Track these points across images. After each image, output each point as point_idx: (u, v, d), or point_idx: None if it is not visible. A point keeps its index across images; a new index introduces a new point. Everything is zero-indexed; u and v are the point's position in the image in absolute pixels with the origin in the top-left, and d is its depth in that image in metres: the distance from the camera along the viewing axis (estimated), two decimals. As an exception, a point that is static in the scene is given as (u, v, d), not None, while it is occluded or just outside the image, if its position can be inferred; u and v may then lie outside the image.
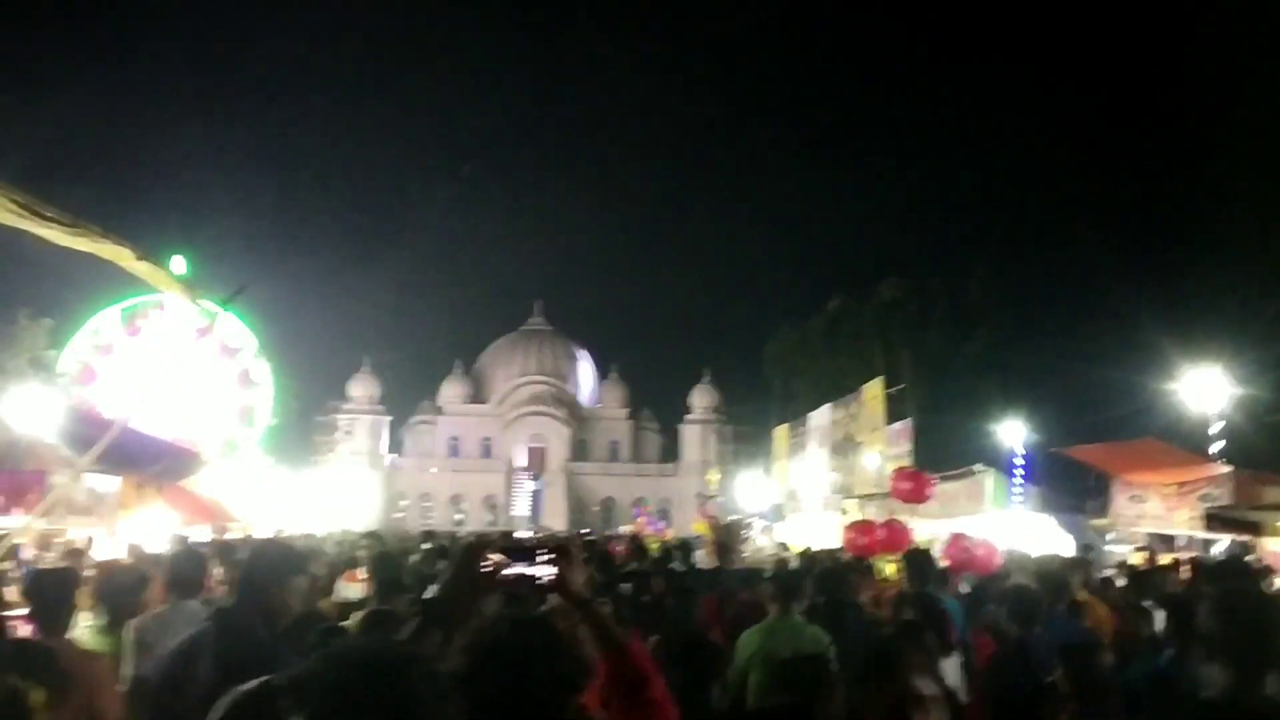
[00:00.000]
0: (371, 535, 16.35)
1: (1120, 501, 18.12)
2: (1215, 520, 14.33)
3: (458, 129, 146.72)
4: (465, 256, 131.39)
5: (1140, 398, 22.79)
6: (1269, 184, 29.09)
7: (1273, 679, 2.46)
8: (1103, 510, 19.77)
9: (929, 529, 17.84)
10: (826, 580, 7.05)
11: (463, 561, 2.24)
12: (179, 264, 16.17)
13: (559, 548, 2.31)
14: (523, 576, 2.23)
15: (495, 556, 2.23)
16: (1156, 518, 17.05)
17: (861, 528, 11.87)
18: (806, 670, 3.96)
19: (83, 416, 14.74)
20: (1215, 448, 17.75)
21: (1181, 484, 16.18)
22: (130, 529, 11.92)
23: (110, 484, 12.08)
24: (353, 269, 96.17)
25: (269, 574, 3.40)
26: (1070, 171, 74.73)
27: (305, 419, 58.00)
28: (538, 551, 2.27)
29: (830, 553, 12.73)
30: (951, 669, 5.50)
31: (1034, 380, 37.72)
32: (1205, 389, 18.07)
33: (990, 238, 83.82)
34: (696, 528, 33.97)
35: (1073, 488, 23.41)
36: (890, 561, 11.00)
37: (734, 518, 34.06)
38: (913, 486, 15.74)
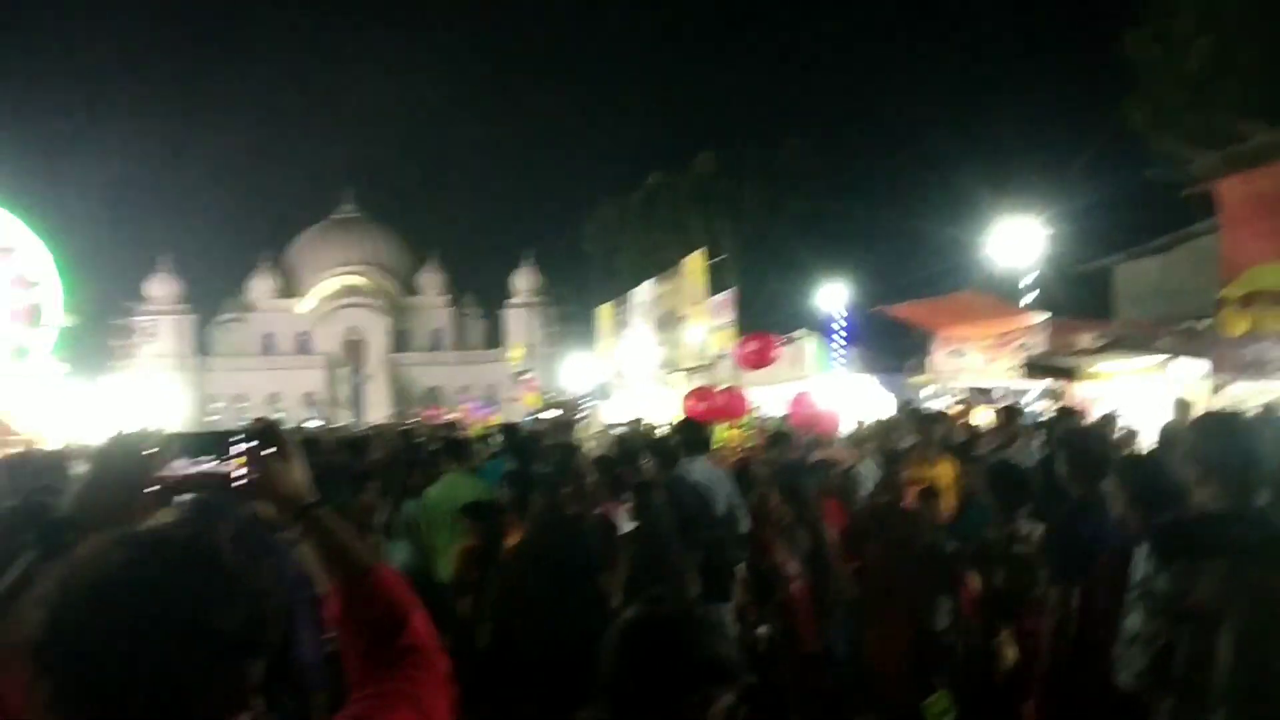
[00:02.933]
0: None
1: (939, 357, 18.46)
2: (1034, 368, 14.65)
3: (261, 7, 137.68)
4: (270, 143, 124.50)
5: (959, 252, 23.26)
6: (1079, 39, 29.91)
7: (1264, 495, 2.80)
8: (921, 367, 20.20)
9: (757, 395, 17.81)
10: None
11: (110, 458, 1.50)
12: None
13: (262, 432, 1.59)
14: (210, 476, 1.53)
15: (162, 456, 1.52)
16: (975, 370, 17.44)
17: (701, 394, 11.54)
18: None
19: None
20: (1029, 298, 18.24)
21: (1000, 335, 16.55)
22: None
23: None
24: (146, 161, 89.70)
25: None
26: (884, 28, 75.88)
27: (100, 323, 53.94)
28: (231, 439, 1.58)
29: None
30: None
31: (854, 241, 38.39)
32: (1020, 241, 18.44)
33: (806, 102, 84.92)
34: (528, 401, 33.65)
35: (892, 347, 23.89)
36: (729, 428, 10.78)
37: (568, 396, 33.81)
38: (759, 347, 15.46)
